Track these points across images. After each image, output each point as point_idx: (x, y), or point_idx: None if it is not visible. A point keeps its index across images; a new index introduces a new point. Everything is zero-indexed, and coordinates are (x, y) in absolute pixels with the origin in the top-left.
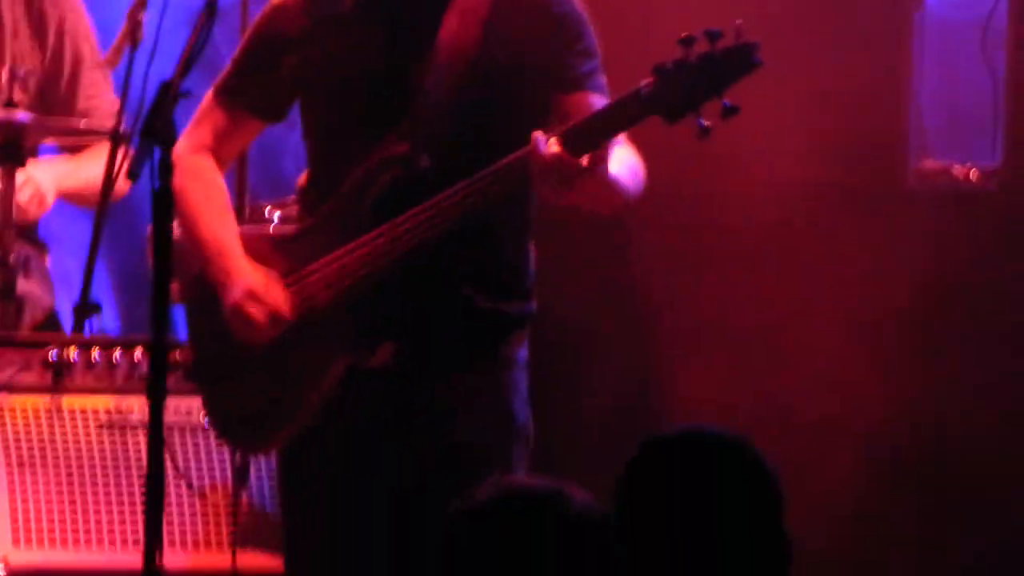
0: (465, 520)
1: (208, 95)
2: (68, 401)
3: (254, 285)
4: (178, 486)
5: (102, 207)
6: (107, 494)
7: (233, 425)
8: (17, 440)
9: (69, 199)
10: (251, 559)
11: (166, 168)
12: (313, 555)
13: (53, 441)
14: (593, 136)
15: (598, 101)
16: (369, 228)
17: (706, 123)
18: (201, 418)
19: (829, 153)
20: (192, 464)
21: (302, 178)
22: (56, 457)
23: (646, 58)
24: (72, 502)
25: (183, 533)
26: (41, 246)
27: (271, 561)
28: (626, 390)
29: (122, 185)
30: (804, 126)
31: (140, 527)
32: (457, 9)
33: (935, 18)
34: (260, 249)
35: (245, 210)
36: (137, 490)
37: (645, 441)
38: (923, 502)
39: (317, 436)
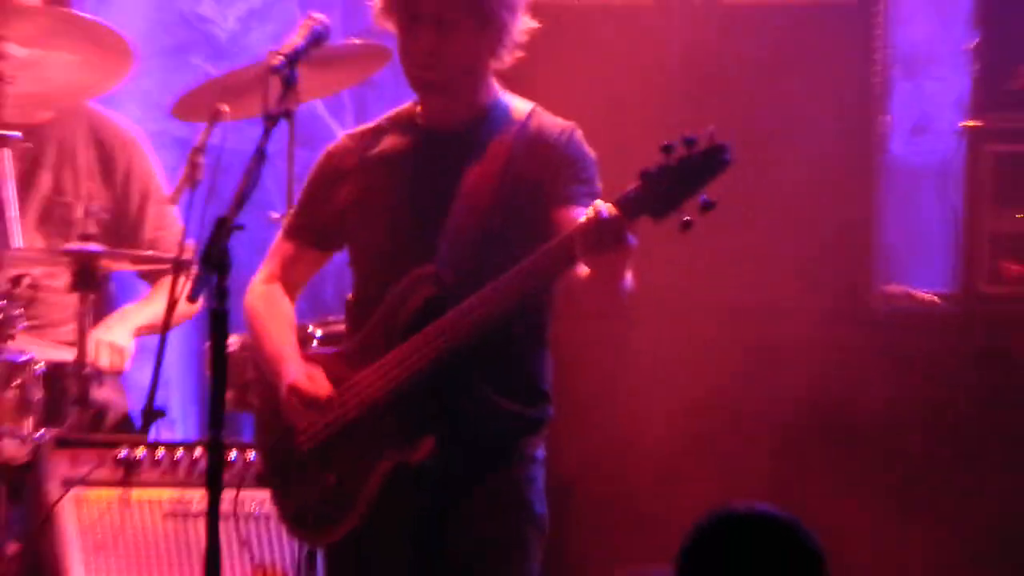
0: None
1: (279, 234)
2: (136, 493)
3: (297, 377)
4: (232, 567)
5: (166, 326)
6: (171, 574)
7: (299, 525)
8: (92, 527)
9: (144, 333)
10: None
11: (222, 292)
12: None
13: (123, 528)
14: (633, 208)
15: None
16: (407, 338)
17: (687, 219)
18: (254, 508)
19: (806, 278)
20: (272, 548)
21: (350, 297)
22: (126, 542)
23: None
24: None
25: None
26: None
27: None
28: None
29: (185, 307)
30: (786, 254)
31: None
32: (482, 151)
33: (899, 160)
34: (321, 363)
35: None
36: (197, 571)
37: (709, 515)
38: None
39: (361, 530)
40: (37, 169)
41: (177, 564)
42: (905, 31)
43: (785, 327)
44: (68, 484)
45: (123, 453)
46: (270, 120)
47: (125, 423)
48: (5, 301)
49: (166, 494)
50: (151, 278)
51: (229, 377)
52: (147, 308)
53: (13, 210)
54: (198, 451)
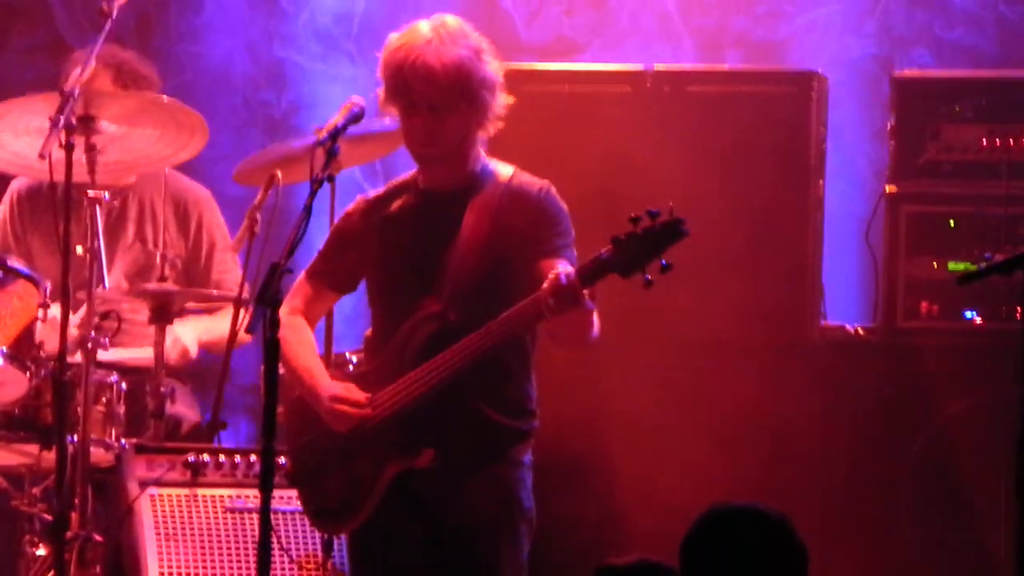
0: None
1: (302, 275)
2: (202, 492)
3: (336, 389)
4: (281, 555)
5: (227, 354)
6: (230, 559)
7: (319, 516)
8: (164, 520)
9: (206, 348)
10: None
11: (274, 325)
12: None
13: (191, 521)
14: (588, 277)
15: (566, 265)
16: (415, 367)
17: (649, 277)
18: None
19: (755, 314)
20: (294, 537)
21: (368, 332)
22: (192, 533)
23: None
24: (204, 565)
25: None
26: (183, 378)
27: None
28: None
29: (243, 337)
30: (738, 294)
31: None
32: (474, 207)
33: (832, 217)
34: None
35: (331, 355)
36: (252, 557)
37: (711, 509)
38: None
39: (374, 521)
40: (123, 223)
41: (235, 552)
42: (835, 114)
43: (735, 356)
44: (144, 484)
45: (191, 458)
46: (315, 183)
47: (197, 432)
48: (95, 333)
49: (226, 492)
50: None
51: (280, 394)
52: (214, 324)
53: (102, 257)
54: (253, 457)
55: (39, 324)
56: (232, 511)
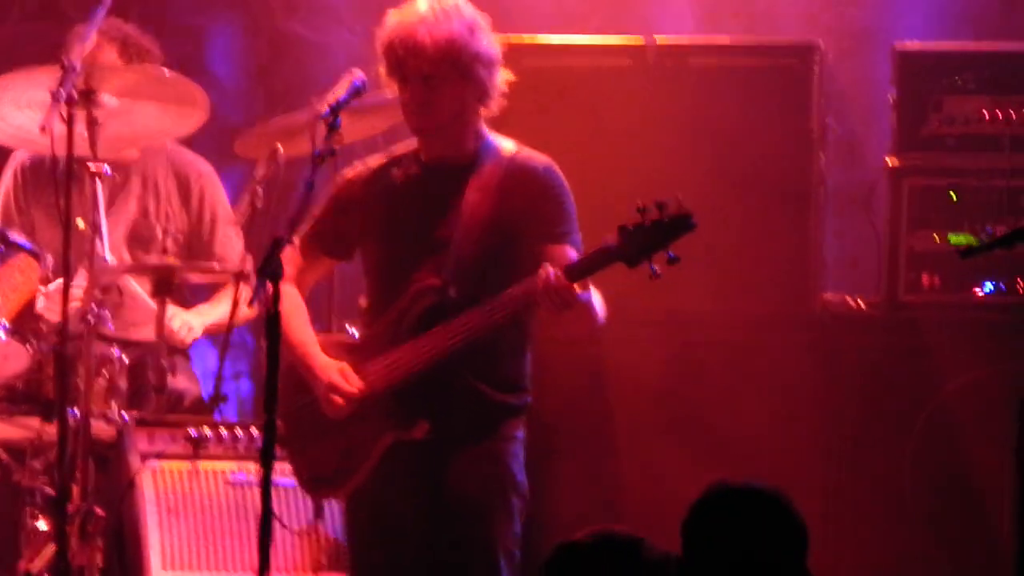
0: (567, 552)
1: (295, 242)
2: (203, 465)
3: (332, 376)
4: (282, 527)
5: (228, 328)
6: (231, 532)
7: (312, 481)
8: (166, 493)
9: (211, 331)
10: None
11: (276, 298)
12: (371, 570)
13: (192, 494)
14: (582, 272)
15: (572, 253)
16: (410, 339)
17: (656, 268)
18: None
19: (760, 288)
20: (291, 510)
21: (362, 300)
22: (194, 506)
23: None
24: (205, 538)
25: (285, 559)
26: (185, 354)
27: None
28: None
29: (246, 312)
30: (743, 268)
31: (254, 555)
32: (476, 183)
33: (834, 191)
34: (334, 351)
35: (333, 326)
36: (253, 531)
37: (709, 489)
38: None
39: (370, 488)
40: (125, 197)
41: (237, 525)
42: (838, 86)
43: (737, 330)
44: (146, 458)
45: (192, 432)
46: (317, 157)
47: (198, 405)
48: (96, 306)
49: (228, 466)
50: (216, 289)
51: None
52: (215, 309)
53: (103, 231)
54: (254, 430)
55: (41, 298)
56: (233, 485)
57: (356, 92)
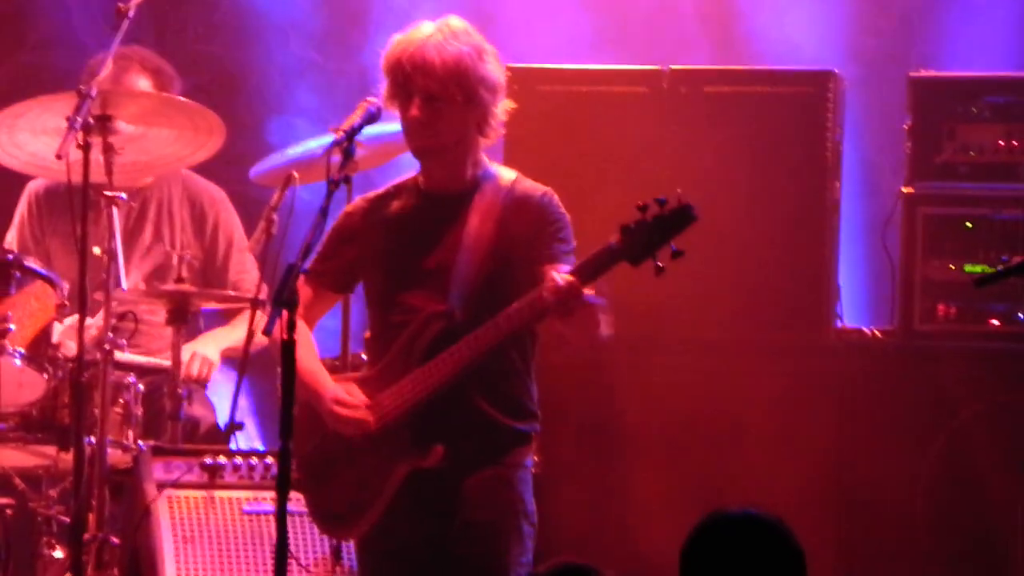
0: None
1: (301, 278)
2: (219, 494)
3: (337, 392)
4: (298, 558)
5: (244, 355)
6: (246, 561)
7: (328, 518)
8: (182, 522)
9: (227, 355)
10: None
11: (292, 326)
12: None
13: (207, 523)
14: (588, 272)
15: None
16: (423, 364)
17: (660, 264)
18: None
19: (775, 316)
20: (306, 539)
21: (367, 333)
22: (209, 534)
23: None
24: (221, 566)
25: None
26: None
27: None
28: None
29: (261, 339)
30: (758, 297)
31: None
32: (477, 210)
33: (847, 217)
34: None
35: (348, 355)
36: (268, 560)
37: (707, 516)
38: None
39: (382, 521)
40: (141, 223)
41: (252, 554)
42: (851, 114)
43: (751, 358)
44: (162, 486)
45: (208, 460)
46: (332, 184)
47: (214, 433)
48: (113, 334)
49: (243, 495)
50: (230, 316)
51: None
52: (232, 333)
53: (119, 258)
54: (270, 459)
55: (56, 325)
56: (249, 514)
57: (371, 118)
